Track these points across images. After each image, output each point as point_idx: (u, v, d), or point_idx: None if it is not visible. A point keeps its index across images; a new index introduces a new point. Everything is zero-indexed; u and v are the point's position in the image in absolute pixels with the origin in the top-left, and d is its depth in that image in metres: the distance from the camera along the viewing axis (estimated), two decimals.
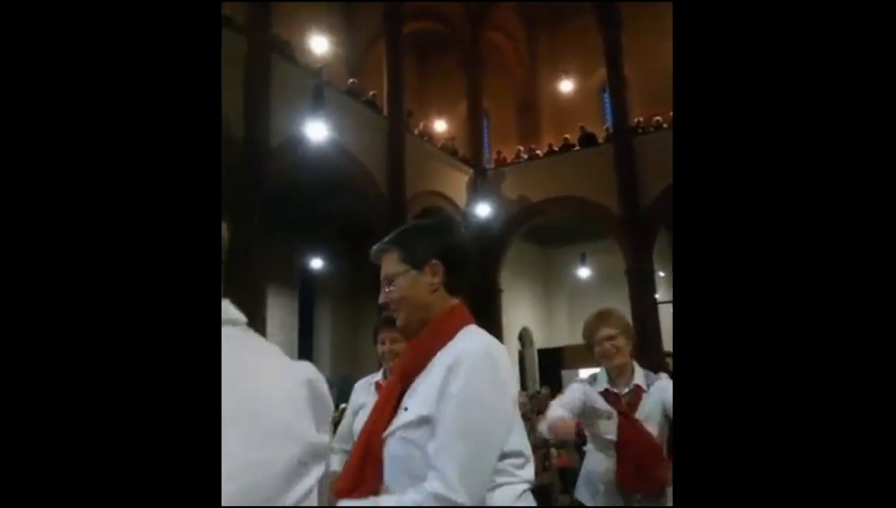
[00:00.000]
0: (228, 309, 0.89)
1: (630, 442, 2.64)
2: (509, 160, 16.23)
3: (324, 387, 0.80)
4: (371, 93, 13.08)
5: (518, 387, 1.41)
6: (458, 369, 1.31)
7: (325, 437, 0.76)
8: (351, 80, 12.99)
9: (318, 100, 9.71)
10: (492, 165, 16.21)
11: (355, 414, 2.78)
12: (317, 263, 14.45)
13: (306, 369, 0.81)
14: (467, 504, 1.23)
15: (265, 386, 0.74)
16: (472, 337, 1.40)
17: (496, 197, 14.95)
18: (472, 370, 1.31)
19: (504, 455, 1.33)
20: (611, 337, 2.78)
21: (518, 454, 1.36)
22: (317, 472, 0.73)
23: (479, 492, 1.26)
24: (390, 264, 1.49)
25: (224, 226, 0.98)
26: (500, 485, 1.33)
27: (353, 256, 14.64)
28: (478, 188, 14.70)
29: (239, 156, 9.05)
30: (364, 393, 2.81)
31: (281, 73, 9.98)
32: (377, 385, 2.78)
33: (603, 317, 2.84)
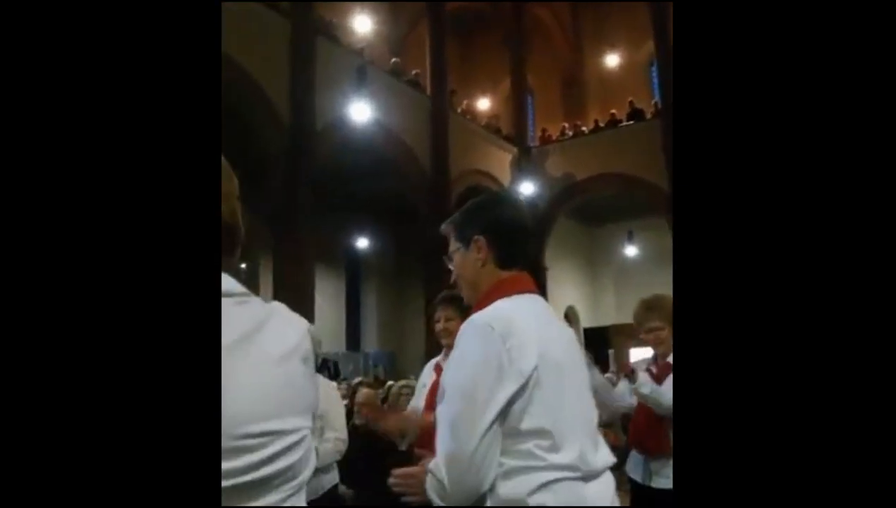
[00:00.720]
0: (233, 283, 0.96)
1: (636, 412, 3.04)
2: (554, 137, 16.02)
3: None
4: (414, 72, 13.07)
5: (536, 361, 1.33)
6: (456, 340, 1.34)
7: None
8: (394, 60, 12.98)
9: (361, 81, 9.75)
10: (536, 143, 16.04)
11: (419, 392, 2.94)
12: (362, 243, 14.63)
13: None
14: (446, 482, 1.23)
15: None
16: (486, 310, 1.36)
17: (541, 175, 14.81)
18: (463, 339, 1.32)
19: (524, 434, 1.25)
20: (656, 328, 2.95)
21: (542, 433, 1.26)
22: None
23: (464, 466, 1.22)
24: (451, 243, 1.54)
25: (237, 205, 1.00)
26: (517, 471, 1.25)
27: (398, 236, 14.76)
28: (522, 166, 14.59)
29: (286, 139, 9.19)
30: (427, 375, 2.95)
31: (325, 55, 10.05)
32: (436, 365, 2.92)
33: (651, 308, 2.98)
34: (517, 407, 1.26)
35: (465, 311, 2.82)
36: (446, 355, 2.89)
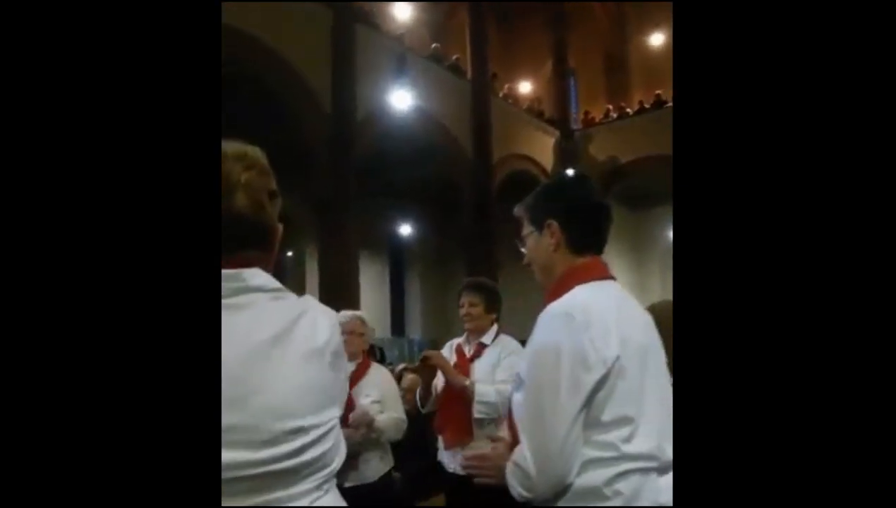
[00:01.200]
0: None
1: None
2: (598, 120, 15.76)
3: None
4: (455, 57, 12.99)
5: (617, 350, 1.30)
6: (534, 330, 1.32)
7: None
8: (434, 45, 12.94)
9: (401, 68, 9.75)
10: (579, 126, 15.80)
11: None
12: (405, 230, 14.71)
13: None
14: (532, 473, 1.22)
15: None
16: (565, 298, 1.34)
17: (584, 158, 14.60)
18: (542, 329, 1.30)
19: (606, 424, 1.24)
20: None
21: (624, 421, 1.24)
22: None
23: (552, 457, 1.21)
24: (523, 226, 1.51)
25: (267, 199, 1.00)
26: (596, 461, 1.23)
27: (441, 222, 14.78)
28: (565, 150, 14.40)
29: (328, 128, 9.27)
30: (447, 354, 3.00)
31: (365, 43, 10.08)
32: (457, 346, 2.99)
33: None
34: (600, 396, 1.24)
35: (489, 298, 2.88)
36: (468, 339, 2.99)
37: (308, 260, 12.17)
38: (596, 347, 1.24)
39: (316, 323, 0.96)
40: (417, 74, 10.46)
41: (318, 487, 0.92)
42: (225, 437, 0.82)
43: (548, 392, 1.24)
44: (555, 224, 1.43)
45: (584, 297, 1.33)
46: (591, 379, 1.23)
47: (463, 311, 2.93)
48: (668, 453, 1.26)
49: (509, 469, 1.28)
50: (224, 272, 0.90)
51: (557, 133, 14.85)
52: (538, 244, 1.46)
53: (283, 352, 0.91)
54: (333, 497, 0.96)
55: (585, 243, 1.44)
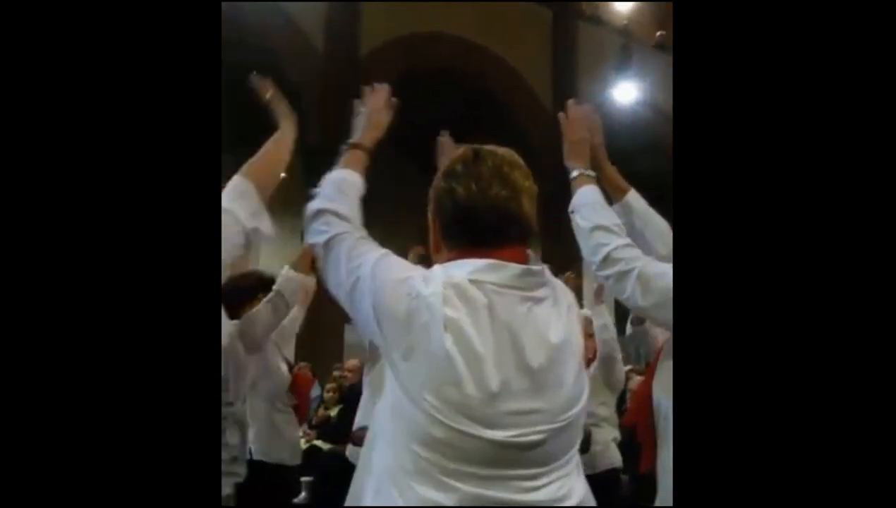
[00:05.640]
0: None
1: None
2: None
3: None
4: None
5: None
6: None
7: None
8: (659, 33, 12.28)
9: (625, 59, 9.42)
10: None
11: None
12: None
13: None
14: None
15: None
16: None
17: None
18: None
19: None
20: None
21: None
22: None
23: None
24: None
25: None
26: None
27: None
28: None
29: (550, 128, 9.28)
30: None
31: (587, 38, 9.91)
32: None
33: None
34: None
35: None
36: None
37: None
38: None
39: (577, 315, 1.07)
40: (642, 65, 10.02)
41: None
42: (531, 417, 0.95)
43: None
44: None
45: None
46: None
47: None
48: None
49: None
50: (532, 267, 1.02)
51: None
52: None
53: (570, 351, 1.01)
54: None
55: None
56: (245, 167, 1.29)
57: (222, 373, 1.21)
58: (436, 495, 0.90)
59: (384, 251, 1.05)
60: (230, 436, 1.29)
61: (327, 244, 1.08)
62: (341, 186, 1.16)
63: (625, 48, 9.61)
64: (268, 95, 1.40)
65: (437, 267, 1.03)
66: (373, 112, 1.30)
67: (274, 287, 2.38)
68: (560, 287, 1.07)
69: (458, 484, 0.91)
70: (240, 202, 1.23)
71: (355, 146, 1.25)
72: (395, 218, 9.23)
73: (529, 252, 1.07)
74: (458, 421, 0.92)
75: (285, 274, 2.43)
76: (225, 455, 1.13)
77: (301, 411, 3.32)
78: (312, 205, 1.13)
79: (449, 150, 1.37)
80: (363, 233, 1.10)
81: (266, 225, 1.27)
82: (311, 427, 5.20)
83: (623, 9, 13.82)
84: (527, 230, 1.06)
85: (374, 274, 1.00)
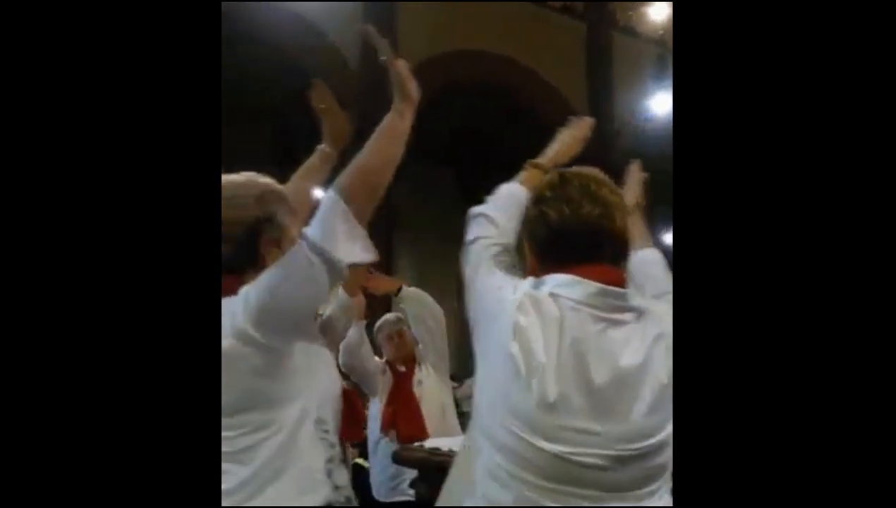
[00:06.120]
0: None
1: None
2: None
3: None
4: None
5: None
6: None
7: None
8: None
9: (661, 70, 9.33)
10: None
11: None
12: (668, 238, 13.96)
13: None
14: None
15: None
16: None
17: None
18: None
19: None
20: None
21: None
22: None
23: None
24: None
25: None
26: None
27: None
28: None
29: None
30: None
31: (622, 49, 9.86)
32: None
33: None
34: None
35: None
36: None
37: None
38: None
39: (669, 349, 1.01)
40: None
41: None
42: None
43: None
44: None
45: None
46: None
47: None
48: None
49: None
50: (608, 287, 1.00)
51: None
52: None
53: (648, 374, 0.98)
54: None
55: None
56: (344, 179, 1.04)
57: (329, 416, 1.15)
58: (500, 494, 0.95)
59: (500, 261, 1.10)
60: (337, 477, 1.26)
61: (471, 243, 1.15)
62: (507, 197, 1.22)
63: (661, 58, 9.52)
64: (384, 58, 1.13)
65: (528, 279, 1.06)
66: (573, 140, 1.49)
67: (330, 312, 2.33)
68: (654, 315, 1.03)
69: (521, 487, 0.94)
70: (332, 241, 0.98)
71: (535, 165, 1.32)
72: (433, 227, 9.27)
73: (624, 274, 1.07)
74: (516, 427, 0.94)
75: (341, 298, 2.39)
76: (339, 497, 1.11)
77: (357, 433, 3.33)
78: (475, 209, 1.21)
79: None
80: (507, 240, 1.15)
81: (367, 255, 1.03)
82: (353, 445, 5.22)
83: (658, 18, 13.71)
84: (621, 246, 1.07)
85: (482, 280, 1.07)
